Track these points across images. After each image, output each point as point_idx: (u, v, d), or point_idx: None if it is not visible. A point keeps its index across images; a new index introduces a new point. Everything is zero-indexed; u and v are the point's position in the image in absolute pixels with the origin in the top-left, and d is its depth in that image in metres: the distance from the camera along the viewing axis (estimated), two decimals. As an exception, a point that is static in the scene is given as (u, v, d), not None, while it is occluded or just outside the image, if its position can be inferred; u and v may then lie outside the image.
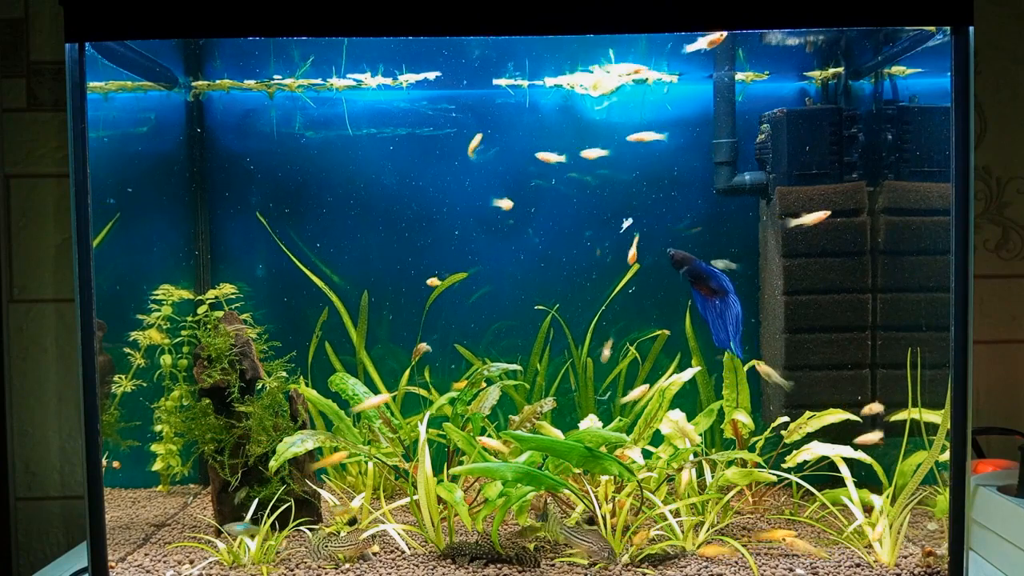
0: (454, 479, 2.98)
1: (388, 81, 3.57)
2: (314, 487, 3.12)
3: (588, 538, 2.61)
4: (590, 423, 3.20)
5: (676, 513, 2.88)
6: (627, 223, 3.51)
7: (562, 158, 3.48)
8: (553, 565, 2.70)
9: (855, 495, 2.88)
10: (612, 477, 2.99)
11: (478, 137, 3.54)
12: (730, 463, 3.20)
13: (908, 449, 2.90)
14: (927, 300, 3.06)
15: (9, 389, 3.64)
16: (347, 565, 2.71)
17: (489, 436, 3.20)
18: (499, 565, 2.69)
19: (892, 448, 3.02)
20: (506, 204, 3.51)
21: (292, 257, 3.65)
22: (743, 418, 3.27)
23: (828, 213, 3.23)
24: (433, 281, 3.56)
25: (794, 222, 3.25)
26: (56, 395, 3.66)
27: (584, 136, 3.63)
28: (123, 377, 3.24)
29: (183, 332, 3.35)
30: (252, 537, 2.77)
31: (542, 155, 3.48)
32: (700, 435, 3.13)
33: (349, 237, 3.71)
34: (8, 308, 3.64)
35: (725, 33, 2.92)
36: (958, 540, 2.54)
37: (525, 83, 3.60)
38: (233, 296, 3.38)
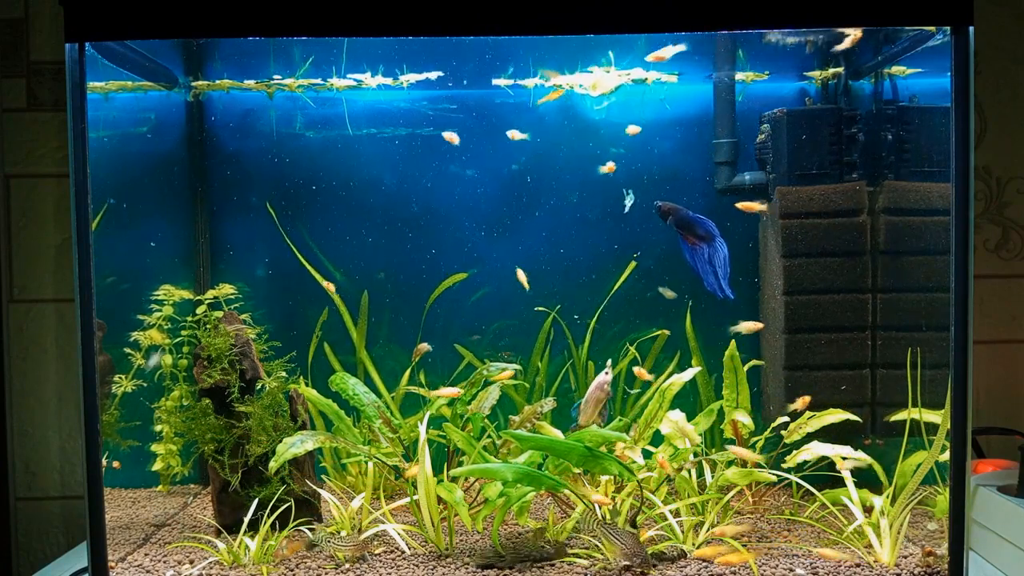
0: (454, 479, 2.98)
1: (388, 81, 3.57)
2: (314, 487, 3.12)
3: (625, 540, 2.59)
4: (590, 423, 3.20)
5: (676, 513, 2.88)
6: (629, 201, 3.51)
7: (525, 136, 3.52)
8: (553, 565, 2.70)
9: (855, 495, 2.88)
10: (612, 477, 2.99)
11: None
12: (730, 463, 3.19)
13: (908, 449, 2.90)
14: (927, 300, 3.06)
15: (9, 389, 3.64)
16: (347, 565, 2.71)
17: (489, 436, 3.21)
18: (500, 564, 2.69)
19: (892, 448, 3.02)
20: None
21: (296, 252, 3.65)
22: (743, 418, 3.27)
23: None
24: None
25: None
26: (56, 395, 3.66)
27: (584, 136, 3.64)
28: (123, 377, 3.24)
29: (183, 332, 3.35)
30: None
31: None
32: (700, 435, 3.13)
33: (349, 237, 3.71)
34: (8, 308, 3.64)
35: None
36: (958, 540, 2.54)
37: (531, 83, 3.59)
38: (233, 296, 3.38)
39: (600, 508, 2.83)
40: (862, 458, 2.94)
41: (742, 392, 3.32)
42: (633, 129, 3.51)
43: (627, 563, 2.58)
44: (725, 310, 3.67)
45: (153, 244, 3.53)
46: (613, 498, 2.95)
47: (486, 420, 3.22)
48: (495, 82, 3.58)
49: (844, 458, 2.92)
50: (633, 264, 3.64)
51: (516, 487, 2.82)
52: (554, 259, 3.71)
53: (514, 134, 3.48)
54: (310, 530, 2.92)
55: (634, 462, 2.97)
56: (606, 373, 3.10)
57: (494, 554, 2.74)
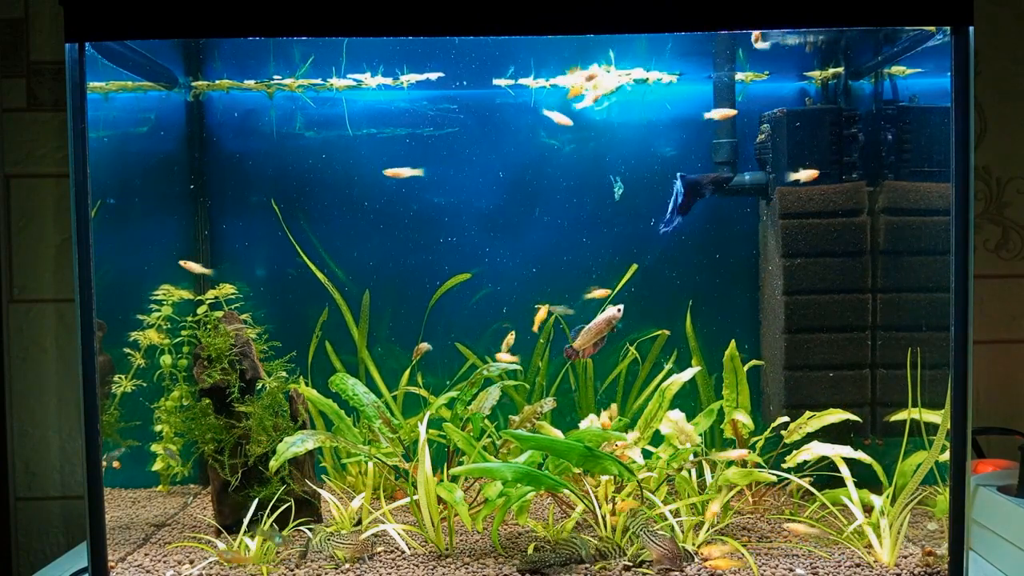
0: (454, 479, 2.98)
1: (388, 81, 3.57)
2: (314, 487, 3.12)
3: (663, 543, 2.60)
4: (590, 423, 3.20)
5: (676, 513, 2.88)
6: (618, 190, 3.50)
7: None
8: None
9: (855, 495, 2.88)
10: (612, 477, 2.99)
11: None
12: (730, 463, 3.19)
13: (908, 449, 2.90)
14: (927, 300, 3.06)
15: (9, 389, 3.64)
16: (347, 565, 2.71)
17: (489, 436, 3.21)
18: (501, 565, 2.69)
19: (892, 448, 3.02)
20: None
21: (300, 251, 3.64)
22: (743, 418, 3.27)
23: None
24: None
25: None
26: (56, 395, 3.66)
27: (584, 136, 3.64)
28: (123, 377, 3.24)
29: (183, 332, 3.35)
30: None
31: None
32: (700, 435, 3.13)
33: (349, 237, 3.71)
34: (8, 308, 3.64)
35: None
36: (958, 540, 2.54)
37: (543, 82, 3.59)
38: (233, 296, 3.38)
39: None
40: (861, 457, 2.94)
41: (742, 392, 3.32)
42: (723, 113, 3.46)
43: (668, 567, 2.60)
44: (725, 310, 3.68)
45: (153, 244, 3.53)
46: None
47: (486, 420, 3.22)
48: (495, 82, 3.58)
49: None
50: (635, 267, 3.64)
51: (516, 487, 2.83)
52: (555, 258, 3.71)
53: (558, 118, 3.43)
54: (309, 530, 2.92)
55: (634, 462, 2.97)
56: (618, 311, 3.08)
57: (539, 557, 2.68)
